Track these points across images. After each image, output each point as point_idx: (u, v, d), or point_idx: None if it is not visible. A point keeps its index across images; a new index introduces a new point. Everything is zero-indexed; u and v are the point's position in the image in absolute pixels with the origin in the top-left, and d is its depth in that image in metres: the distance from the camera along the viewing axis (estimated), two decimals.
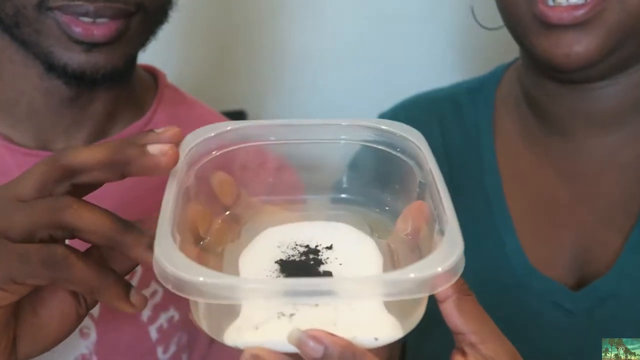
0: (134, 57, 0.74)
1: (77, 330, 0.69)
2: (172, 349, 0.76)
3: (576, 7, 0.65)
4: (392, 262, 0.51)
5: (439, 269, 0.43)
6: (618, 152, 0.74)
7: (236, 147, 0.56)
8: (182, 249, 0.46)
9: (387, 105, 0.95)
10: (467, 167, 0.80)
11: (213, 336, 0.45)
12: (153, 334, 0.75)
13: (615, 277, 0.71)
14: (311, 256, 0.51)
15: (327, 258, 0.50)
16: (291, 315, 0.44)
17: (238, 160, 0.56)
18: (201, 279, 0.42)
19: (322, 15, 1.22)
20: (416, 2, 1.19)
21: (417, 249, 0.51)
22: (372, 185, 0.57)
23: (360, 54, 1.22)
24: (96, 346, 0.72)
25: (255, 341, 0.43)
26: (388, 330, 0.44)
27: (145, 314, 0.75)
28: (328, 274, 0.49)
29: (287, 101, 1.26)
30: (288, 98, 1.26)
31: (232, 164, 0.56)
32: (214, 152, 0.55)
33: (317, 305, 0.44)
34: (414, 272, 0.42)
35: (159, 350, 0.76)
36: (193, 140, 0.54)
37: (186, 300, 0.76)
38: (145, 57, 0.82)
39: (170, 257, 0.43)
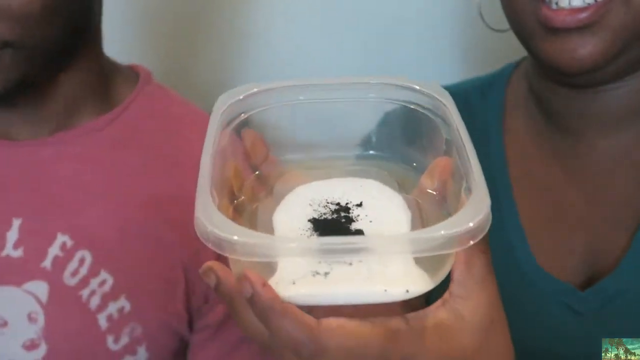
0: (25, 80, 0.76)
1: (25, 315, 0.73)
2: (124, 339, 0.76)
3: (579, 10, 0.65)
4: (420, 218, 0.52)
5: (467, 226, 0.44)
6: (628, 152, 0.74)
7: (265, 108, 0.57)
8: (220, 207, 0.47)
9: None
10: None
11: None
12: (102, 322, 0.76)
13: (622, 275, 0.70)
14: (342, 214, 0.51)
15: (358, 215, 0.51)
16: (326, 273, 0.45)
17: (267, 121, 0.57)
18: (237, 237, 0.44)
19: (324, 15, 1.20)
20: (422, 1, 1.19)
21: (445, 204, 0.52)
22: (400, 142, 0.58)
23: (363, 54, 1.21)
24: (45, 331, 0.74)
25: (292, 294, 0.44)
26: (418, 282, 0.45)
27: (94, 302, 0.75)
28: (359, 232, 0.50)
29: None
30: None
31: (262, 125, 0.57)
32: (245, 113, 0.56)
33: (350, 264, 0.45)
34: (443, 230, 0.44)
35: (109, 339, 0.76)
36: (225, 102, 0.55)
37: (139, 290, 0.77)
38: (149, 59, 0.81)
39: (210, 216, 0.45)
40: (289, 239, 0.48)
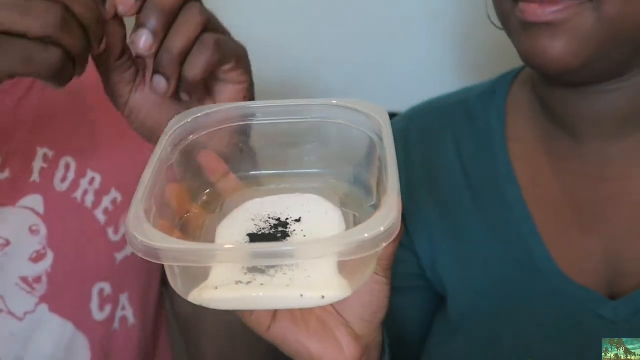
0: None
1: (26, 229, 0.75)
2: (123, 229, 0.79)
3: (549, 4, 0.65)
4: None
5: (375, 231, 0.46)
6: (638, 154, 0.73)
7: (217, 128, 0.60)
8: (160, 226, 0.50)
9: (390, 105, 0.94)
10: (484, 176, 0.80)
11: (183, 296, 0.50)
12: (100, 217, 0.78)
13: None
14: (280, 229, 0.55)
15: (294, 231, 0.54)
16: (248, 282, 0.48)
17: (218, 140, 0.60)
18: (163, 244, 0.46)
19: (324, 13, 1.21)
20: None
21: None
22: (341, 159, 0.61)
23: (368, 55, 1.22)
24: (48, 240, 0.75)
25: (212, 297, 0.48)
26: (336, 290, 0.48)
27: (88, 200, 0.78)
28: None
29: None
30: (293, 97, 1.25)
31: (215, 144, 0.60)
32: (196, 133, 0.59)
33: (273, 276, 0.49)
34: (366, 232, 0.46)
35: (109, 231, 0.79)
36: (176, 123, 0.58)
37: (126, 179, 0.78)
38: None
39: (139, 227, 0.47)
40: (213, 245, 0.51)
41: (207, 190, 0.59)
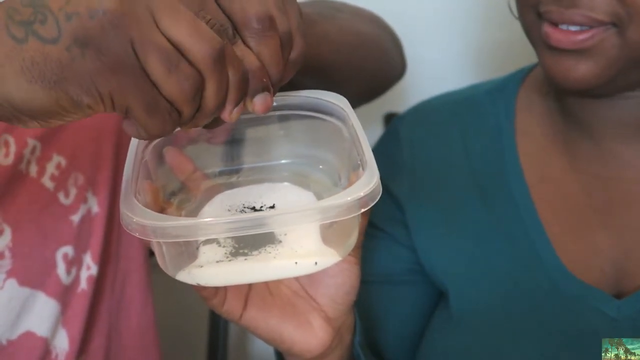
0: None
1: None
2: (73, 191, 0.79)
3: (576, 32, 0.65)
4: None
5: (358, 195, 0.49)
6: None
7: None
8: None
9: (397, 103, 0.94)
10: (491, 171, 0.79)
11: (172, 276, 0.53)
12: (48, 184, 0.77)
13: None
14: None
15: None
16: (229, 260, 0.52)
17: (185, 138, 0.62)
18: (158, 222, 0.48)
19: None
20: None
21: None
22: (308, 148, 0.63)
23: None
24: (2, 215, 0.74)
25: (199, 274, 0.52)
26: (326, 256, 0.52)
27: (33, 169, 0.76)
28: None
29: None
30: None
31: (184, 140, 0.62)
32: None
33: (258, 254, 0.52)
34: (348, 196, 0.48)
35: (60, 196, 0.78)
36: None
37: (67, 143, 0.80)
38: None
39: (132, 209, 0.50)
40: (201, 220, 0.53)
41: (178, 187, 0.61)
